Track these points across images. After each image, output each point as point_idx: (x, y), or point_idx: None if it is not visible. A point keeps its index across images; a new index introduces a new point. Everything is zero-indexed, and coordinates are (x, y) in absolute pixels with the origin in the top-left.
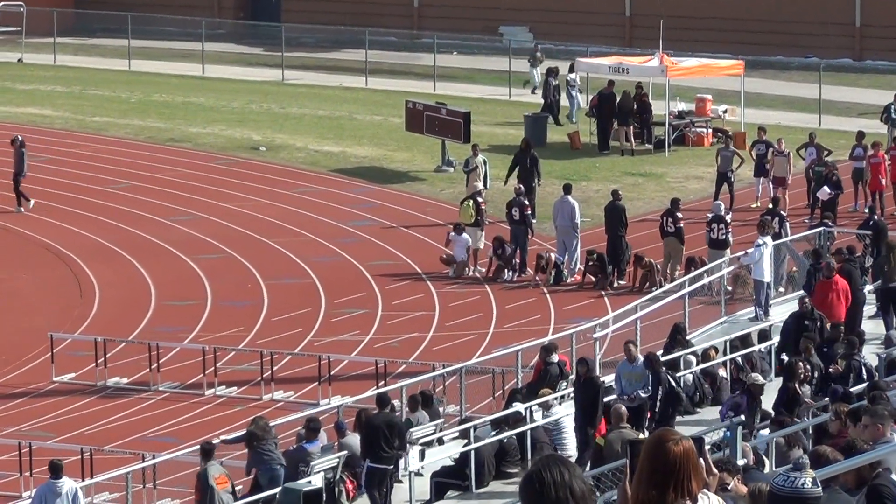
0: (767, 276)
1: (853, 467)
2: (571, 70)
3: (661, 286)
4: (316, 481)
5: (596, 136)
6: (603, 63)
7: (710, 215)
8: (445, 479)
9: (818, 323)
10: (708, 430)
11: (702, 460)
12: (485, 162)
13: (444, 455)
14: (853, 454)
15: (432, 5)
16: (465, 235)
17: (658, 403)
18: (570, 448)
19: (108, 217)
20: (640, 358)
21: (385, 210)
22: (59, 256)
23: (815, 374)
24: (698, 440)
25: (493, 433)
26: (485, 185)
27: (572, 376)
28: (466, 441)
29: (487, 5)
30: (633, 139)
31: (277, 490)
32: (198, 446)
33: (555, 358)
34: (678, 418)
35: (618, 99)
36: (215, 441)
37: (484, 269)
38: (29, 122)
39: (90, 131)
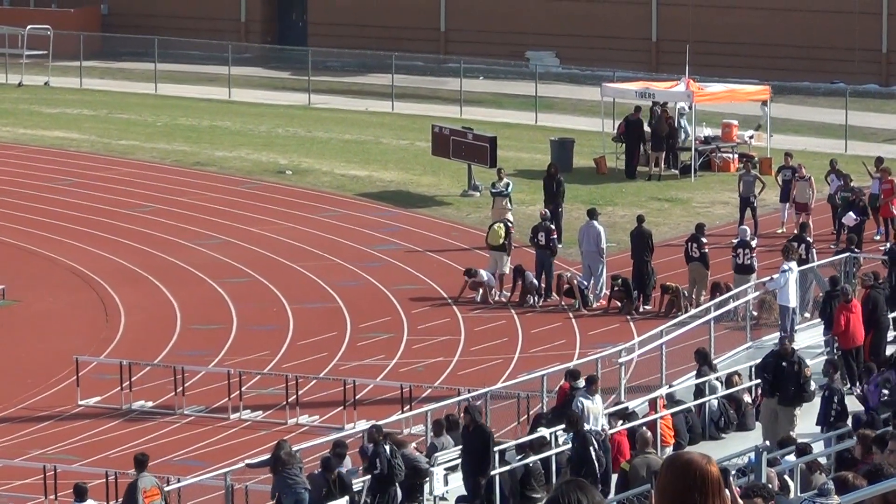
0: (793, 302)
1: (880, 492)
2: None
3: (686, 311)
4: None
5: (623, 161)
6: (629, 88)
7: (735, 241)
8: None
9: (796, 367)
10: (734, 455)
11: (727, 492)
12: (508, 185)
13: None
14: (878, 479)
15: (459, 30)
16: (481, 272)
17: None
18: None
19: (134, 241)
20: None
21: (411, 234)
22: (85, 280)
23: (836, 399)
24: (724, 472)
25: (518, 458)
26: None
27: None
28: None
29: (514, 30)
30: (662, 164)
31: None
32: (223, 469)
33: (581, 383)
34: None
35: (645, 124)
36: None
37: (508, 294)
38: (55, 146)
39: (116, 155)
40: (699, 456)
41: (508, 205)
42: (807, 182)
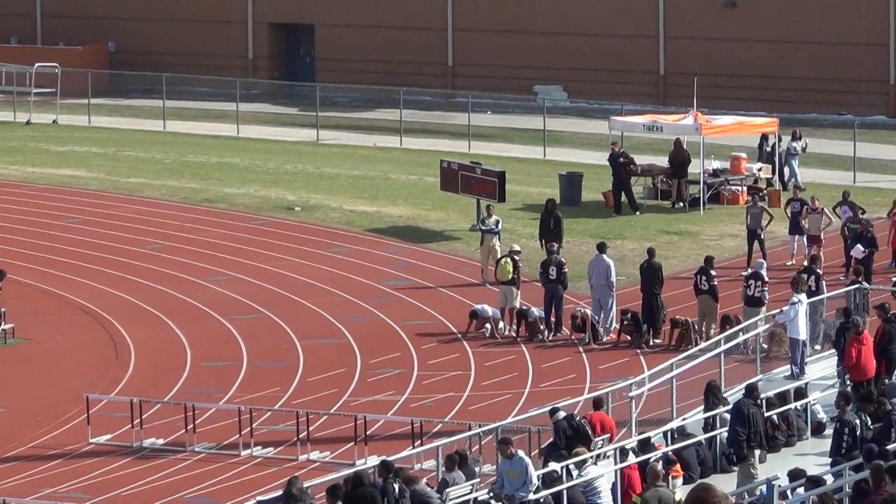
0: (803, 334)
1: None
2: (795, 138)
3: (696, 344)
4: None
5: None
6: (637, 121)
7: (748, 271)
8: None
9: (762, 408)
10: (746, 488)
11: None
12: (497, 223)
13: None
14: None
15: (467, 64)
16: (485, 308)
17: None
18: None
19: (144, 278)
20: (518, 454)
21: (420, 269)
22: (95, 317)
23: (847, 431)
24: None
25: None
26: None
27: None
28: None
29: (522, 64)
30: (684, 192)
31: None
32: None
33: (561, 415)
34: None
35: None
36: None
37: (517, 328)
38: (64, 184)
39: (125, 192)
40: (712, 495)
41: (496, 243)
42: (819, 215)
